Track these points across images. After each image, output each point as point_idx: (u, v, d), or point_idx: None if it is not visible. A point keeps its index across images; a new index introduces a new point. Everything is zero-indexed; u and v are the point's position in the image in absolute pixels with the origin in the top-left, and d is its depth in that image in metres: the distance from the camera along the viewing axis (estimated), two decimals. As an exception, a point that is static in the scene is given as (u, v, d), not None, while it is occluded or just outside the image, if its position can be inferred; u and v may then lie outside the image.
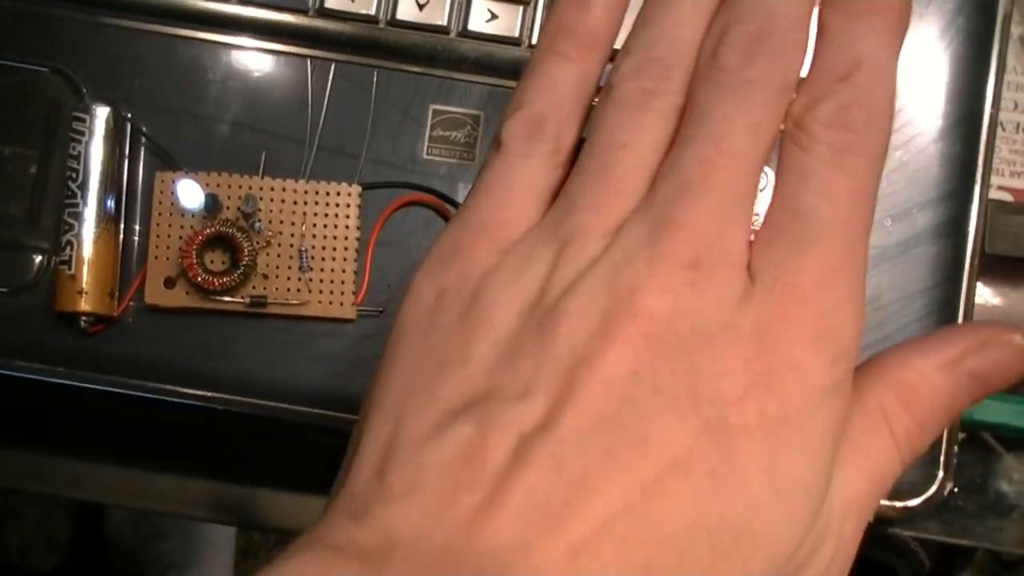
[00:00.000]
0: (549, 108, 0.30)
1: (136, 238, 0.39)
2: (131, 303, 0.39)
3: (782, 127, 0.28)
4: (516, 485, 0.24)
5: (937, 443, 0.38)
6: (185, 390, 0.38)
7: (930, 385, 0.28)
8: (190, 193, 0.37)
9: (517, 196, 0.29)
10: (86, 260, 0.37)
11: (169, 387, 0.39)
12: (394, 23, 0.40)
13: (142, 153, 0.39)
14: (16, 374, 0.39)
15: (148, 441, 0.44)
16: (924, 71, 0.39)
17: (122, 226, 0.39)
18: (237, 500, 0.46)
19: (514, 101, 0.31)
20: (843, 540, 0.26)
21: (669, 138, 0.29)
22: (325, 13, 0.40)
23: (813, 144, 0.27)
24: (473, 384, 0.26)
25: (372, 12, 0.39)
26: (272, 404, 0.38)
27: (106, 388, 0.39)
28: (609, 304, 0.26)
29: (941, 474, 0.37)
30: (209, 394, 0.38)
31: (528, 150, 0.29)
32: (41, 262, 0.39)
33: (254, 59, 0.39)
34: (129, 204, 0.39)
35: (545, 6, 0.39)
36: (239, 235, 0.37)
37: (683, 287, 0.26)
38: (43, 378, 0.39)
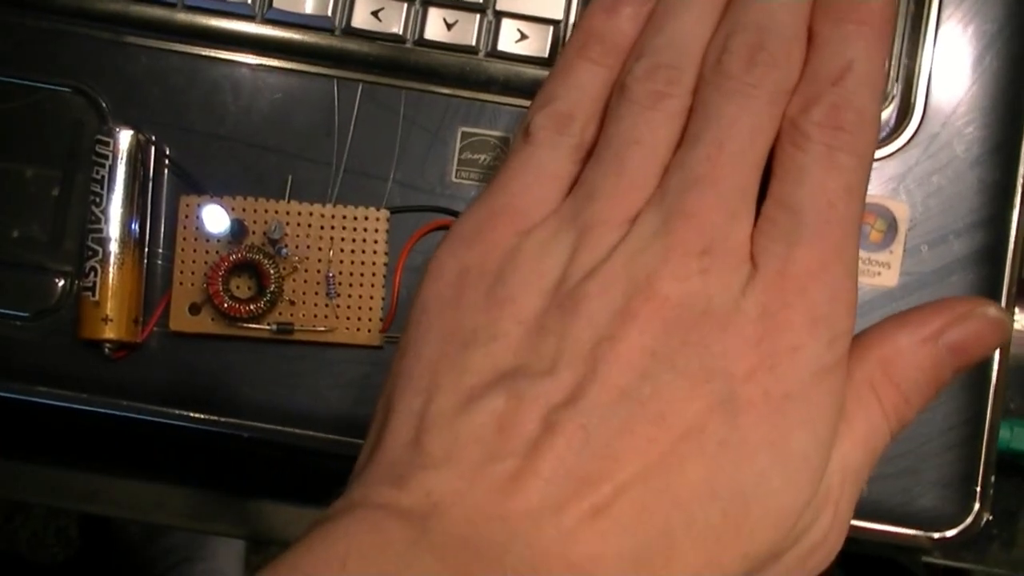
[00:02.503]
0: (576, 106, 0.32)
1: (160, 262, 0.38)
2: (155, 328, 0.38)
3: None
4: (546, 453, 0.27)
5: (974, 474, 0.37)
6: (211, 417, 0.38)
7: (913, 358, 0.30)
8: (215, 218, 0.37)
9: (541, 183, 0.32)
10: (111, 287, 0.36)
11: (193, 414, 0.38)
12: (422, 43, 0.39)
13: (166, 176, 0.38)
14: (39, 400, 0.38)
15: (164, 456, 0.43)
16: (962, 95, 0.39)
17: (146, 250, 0.38)
18: (256, 514, 0.45)
19: (542, 96, 0.33)
20: (840, 507, 0.29)
21: (678, 135, 0.31)
22: (352, 33, 0.39)
23: (807, 143, 0.30)
24: (501, 359, 0.29)
25: (399, 32, 0.39)
26: (298, 432, 0.38)
27: (130, 415, 0.38)
28: (627, 288, 0.29)
29: (977, 506, 0.37)
30: (235, 421, 0.38)
31: (554, 142, 0.32)
32: (64, 286, 0.38)
33: (280, 79, 0.39)
34: (153, 227, 0.38)
35: (574, 27, 0.38)
36: (265, 261, 0.36)
37: (694, 273, 0.29)
38: (66, 404, 0.38)
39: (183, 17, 0.39)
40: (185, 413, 0.38)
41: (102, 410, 0.38)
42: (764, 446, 0.27)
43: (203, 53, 0.39)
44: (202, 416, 0.38)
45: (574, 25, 0.37)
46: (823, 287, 0.29)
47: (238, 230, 0.37)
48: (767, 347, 0.28)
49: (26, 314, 0.38)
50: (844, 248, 0.30)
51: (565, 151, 0.32)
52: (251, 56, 0.39)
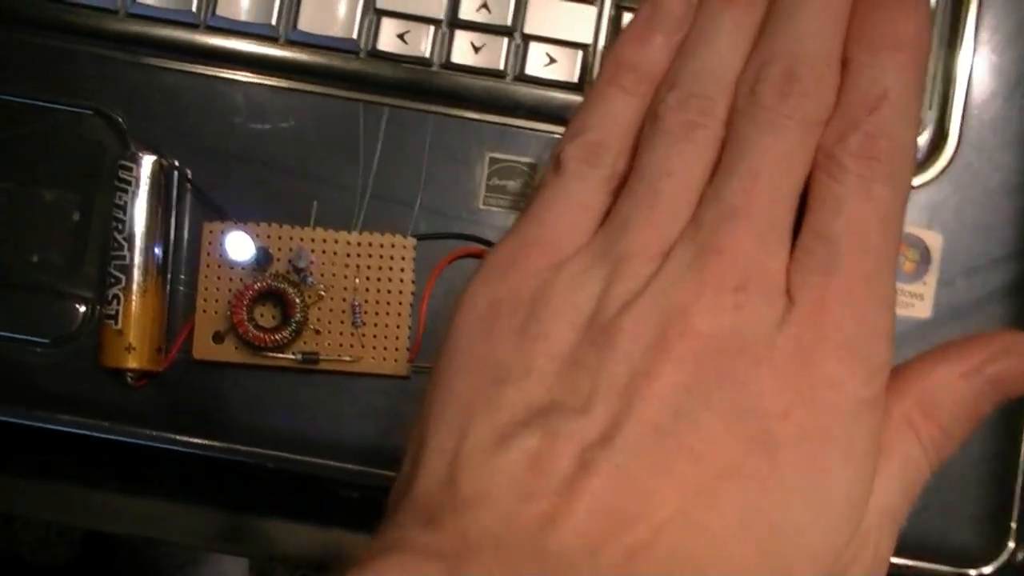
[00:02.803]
0: (608, 136, 0.32)
1: (181, 288, 0.38)
2: (176, 355, 0.37)
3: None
4: (581, 493, 0.26)
5: (1008, 509, 0.37)
6: (235, 446, 0.37)
7: (952, 393, 0.30)
8: (240, 246, 0.36)
9: (573, 215, 0.31)
10: (134, 315, 0.36)
11: (216, 443, 0.37)
12: (449, 66, 0.38)
13: (187, 200, 0.38)
14: (59, 428, 0.38)
15: (180, 480, 0.43)
16: (997, 123, 0.38)
17: (169, 276, 0.37)
18: (269, 534, 0.44)
19: (574, 126, 0.33)
20: (880, 547, 0.28)
21: (711, 165, 0.31)
22: (377, 56, 0.38)
23: (842, 173, 0.29)
24: (535, 396, 0.28)
25: (426, 55, 0.38)
26: (323, 462, 0.37)
27: (152, 444, 0.37)
28: (662, 323, 0.28)
29: (1012, 544, 0.37)
30: (259, 451, 0.37)
31: (586, 173, 0.31)
32: (84, 312, 0.38)
33: (304, 103, 0.38)
34: (174, 253, 0.38)
35: (604, 51, 0.38)
36: (291, 290, 0.36)
37: (729, 308, 0.28)
38: (87, 432, 0.37)
39: (205, 39, 0.38)
40: (209, 442, 0.37)
41: (123, 438, 0.37)
42: (801, 484, 0.27)
43: (225, 75, 0.38)
44: (226, 445, 0.37)
45: (605, 53, 0.36)
46: (860, 320, 0.29)
47: (263, 258, 0.36)
48: (803, 383, 0.28)
49: (46, 340, 0.38)
50: (881, 280, 0.30)
51: (597, 182, 0.32)
52: (275, 79, 0.38)
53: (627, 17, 0.38)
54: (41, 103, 0.38)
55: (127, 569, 1.15)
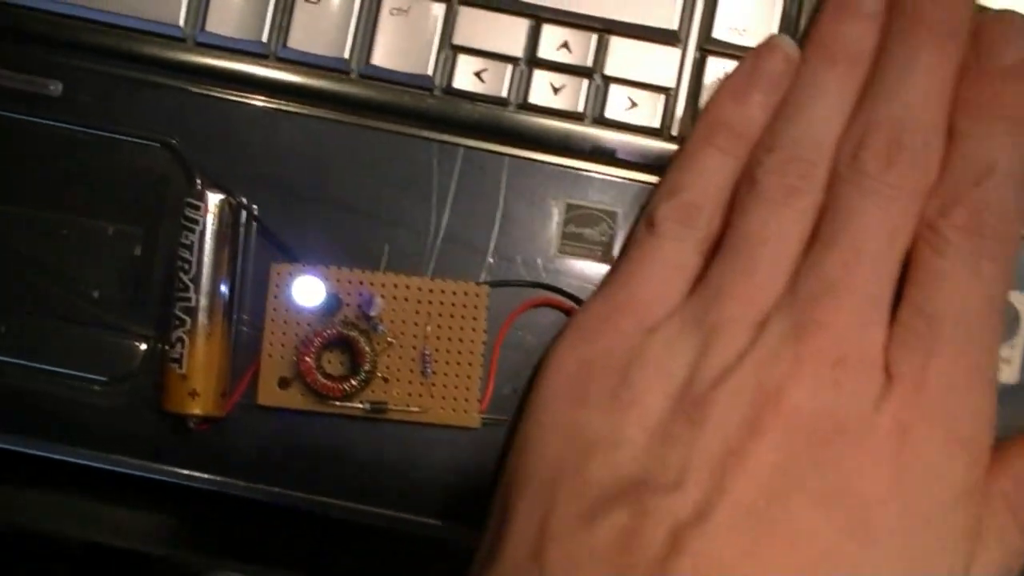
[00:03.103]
0: (702, 197, 0.31)
1: (244, 328, 0.37)
2: (240, 398, 0.36)
3: None
4: (672, 575, 0.26)
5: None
6: (297, 494, 0.36)
7: None
8: (309, 290, 0.35)
9: (666, 277, 0.31)
10: (199, 360, 0.34)
11: (279, 490, 0.36)
12: (526, 107, 0.37)
13: (253, 238, 0.37)
14: (115, 468, 0.37)
15: (234, 523, 0.42)
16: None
17: (234, 317, 0.36)
18: None
19: (668, 185, 0.32)
20: None
21: (809, 232, 0.30)
22: (452, 93, 0.37)
23: (947, 248, 0.29)
24: (625, 469, 0.28)
25: (503, 94, 0.37)
26: (388, 513, 0.36)
27: (210, 488, 0.36)
28: (756, 399, 0.28)
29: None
30: (323, 499, 0.36)
31: (680, 234, 0.31)
32: (145, 351, 0.37)
33: (376, 141, 0.37)
34: (239, 292, 0.37)
35: (687, 96, 0.36)
36: (361, 339, 0.35)
37: (827, 385, 0.28)
38: (144, 474, 0.36)
39: (276, 72, 0.37)
40: (270, 489, 0.36)
41: (181, 482, 0.36)
42: (898, 572, 0.26)
43: (295, 110, 0.37)
44: (289, 493, 0.36)
45: (701, 110, 0.35)
46: (962, 403, 0.28)
47: (333, 304, 0.35)
48: (903, 466, 0.27)
49: (104, 378, 0.37)
50: (984, 360, 0.29)
51: (691, 244, 0.31)
52: (346, 115, 0.37)
53: (712, 61, 0.36)
54: (106, 134, 0.37)
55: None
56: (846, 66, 0.32)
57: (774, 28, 0.36)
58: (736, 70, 0.33)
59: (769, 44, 0.33)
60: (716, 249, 0.32)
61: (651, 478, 0.28)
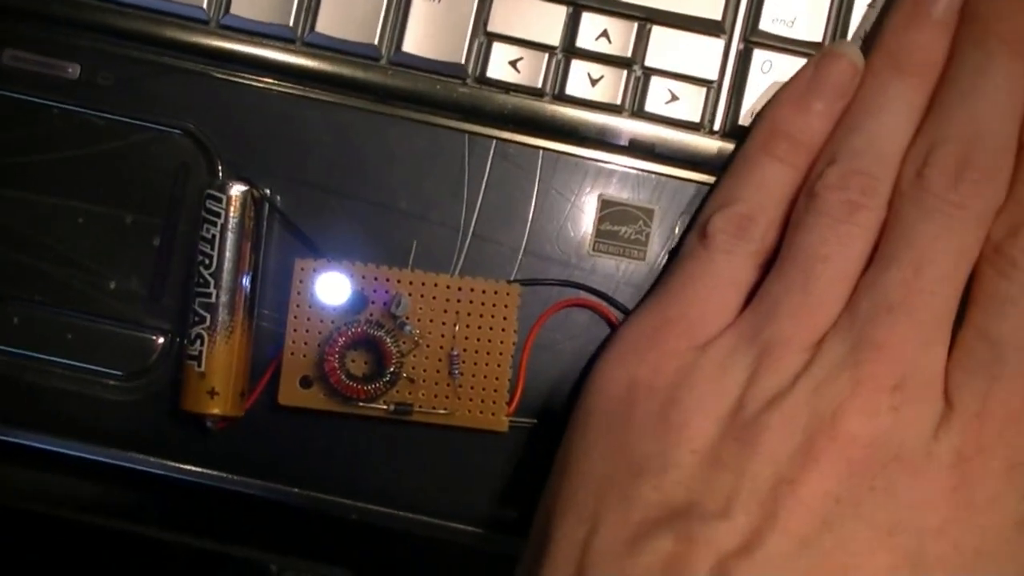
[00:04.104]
0: (758, 208, 0.30)
1: (264, 323, 0.35)
2: (259, 396, 0.35)
3: None
4: None
5: None
6: (317, 495, 0.35)
7: None
8: (335, 287, 0.34)
9: (719, 292, 0.30)
10: (218, 358, 0.33)
11: (297, 491, 0.35)
12: (562, 98, 0.35)
13: (276, 231, 0.35)
14: (131, 466, 0.35)
15: (250, 523, 0.41)
16: None
17: (255, 313, 0.35)
18: None
19: (722, 194, 0.31)
20: None
21: (870, 250, 0.29)
22: (486, 83, 0.35)
23: (1013, 271, 0.27)
24: (672, 494, 0.27)
25: (538, 85, 0.35)
26: (410, 516, 0.35)
27: (226, 487, 0.35)
28: (811, 423, 0.27)
29: None
30: (343, 501, 0.35)
31: (734, 247, 0.30)
32: (162, 345, 0.35)
33: (405, 131, 0.35)
34: (260, 286, 0.35)
35: (730, 89, 0.35)
36: (388, 340, 0.33)
37: (885, 410, 0.27)
38: (161, 472, 0.35)
39: (302, 59, 0.35)
40: (289, 489, 0.35)
41: (200, 481, 0.35)
42: None
43: (323, 98, 0.36)
44: (307, 493, 0.35)
45: (757, 116, 0.33)
46: (1023, 431, 0.27)
47: (359, 302, 0.34)
48: (961, 498, 0.26)
49: (120, 372, 0.35)
50: None
51: (744, 257, 0.30)
52: (375, 104, 0.36)
53: (757, 54, 0.35)
54: (124, 119, 0.35)
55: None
56: (914, 76, 0.30)
57: (823, 19, 0.35)
58: (796, 76, 0.32)
59: (833, 51, 0.31)
60: (770, 263, 0.30)
61: (698, 504, 0.27)
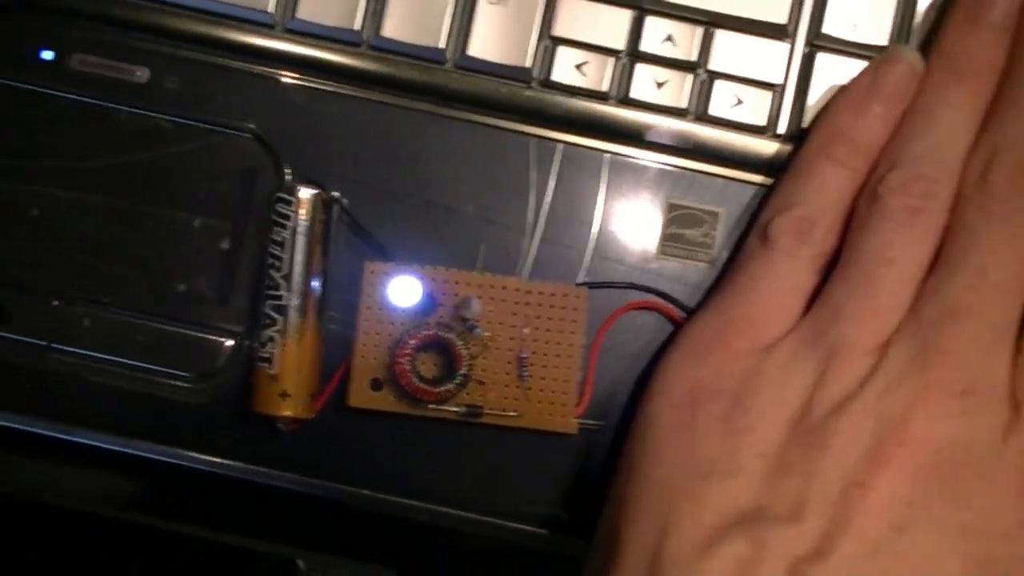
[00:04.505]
0: (819, 212, 0.30)
1: (333, 326, 0.35)
2: (328, 398, 0.35)
3: None
4: None
5: None
6: (389, 497, 0.35)
7: None
8: (406, 291, 0.34)
9: (781, 295, 0.30)
10: (290, 360, 0.33)
11: (368, 492, 0.36)
12: (627, 101, 0.36)
13: (343, 234, 0.35)
14: (199, 467, 0.36)
15: (320, 525, 0.41)
16: None
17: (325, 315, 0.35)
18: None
19: (782, 198, 0.31)
20: None
21: (933, 254, 0.29)
22: (550, 86, 0.35)
23: None
24: (741, 498, 0.27)
25: (603, 88, 0.35)
26: (480, 519, 0.35)
27: (297, 489, 0.36)
28: (879, 428, 0.27)
29: None
30: (413, 503, 0.35)
31: (795, 250, 0.30)
32: (231, 348, 0.36)
33: (473, 135, 0.36)
34: (329, 289, 0.36)
35: (795, 93, 0.35)
36: (459, 343, 0.33)
37: (954, 415, 0.27)
38: (230, 474, 0.36)
39: (367, 62, 0.35)
40: (358, 491, 0.35)
41: (271, 483, 0.35)
42: None
43: (388, 101, 0.36)
44: (377, 496, 0.35)
45: (816, 119, 0.34)
46: None
47: (430, 304, 0.34)
48: None
49: (189, 374, 0.36)
50: None
51: (806, 261, 0.30)
52: (440, 107, 0.36)
53: (821, 58, 0.35)
54: (192, 123, 0.36)
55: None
56: (973, 80, 0.30)
57: (888, 24, 0.35)
58: (856, 80, 0.32)
59: (892, 55, 0.32)
60: (829, 267, 0.31)
61: (768, 508, 0.27)
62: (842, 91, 0.32)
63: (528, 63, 0.35)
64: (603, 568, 0.28)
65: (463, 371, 0.34)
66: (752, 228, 0.32)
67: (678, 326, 0.35)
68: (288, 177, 0.35)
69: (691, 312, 0.35)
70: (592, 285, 0.35)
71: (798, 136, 0.35)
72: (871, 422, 0.27)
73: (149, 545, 0.40)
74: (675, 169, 0.36)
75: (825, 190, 0.31)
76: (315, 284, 0.34)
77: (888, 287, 0.29)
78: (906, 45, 0.33)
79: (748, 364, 0.29)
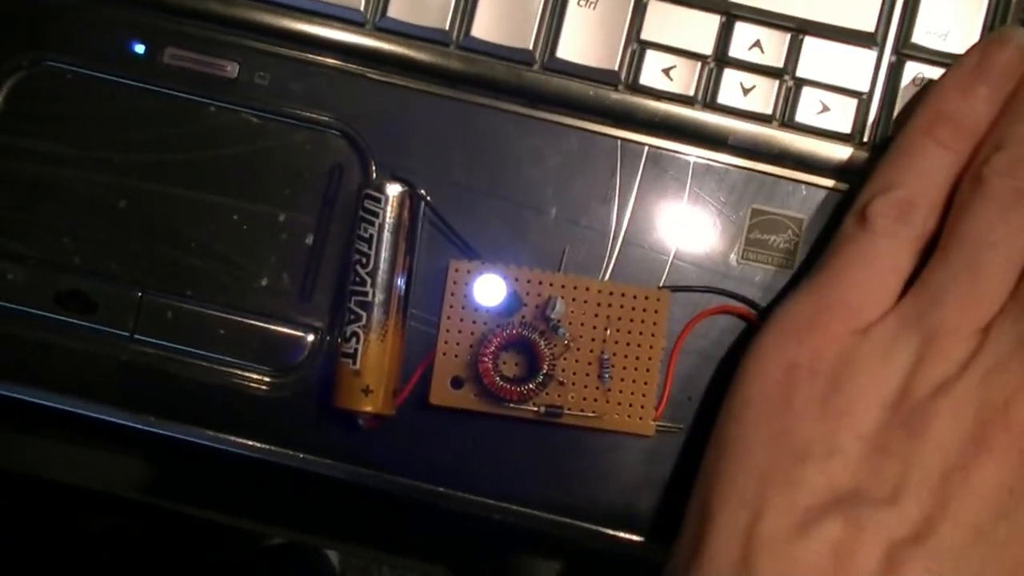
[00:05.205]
0: (919, 193, 0.30)
1: (414, 323, 0.36)
2: (408, 395, 0.35)
3: None
4: None
5: None
6: (465, 496, 0.35)
7: None
8: (491, 290, 0.34)
9: (880, 277, 0.29)
10: (373, 357, 0.34)
11: (443, 490, 0.36)
12: (713, 106, 0.36)
13: (428, 232, 0.36)
14: (280, 462, 0.36)
15: (396, 522, 0.41)
16: None
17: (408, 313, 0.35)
18: None
19: (882, 178, 0.31)
20: None
21: None
22: (638, 90, 0.36)
23: None
24: (838, 480, 0.27)
25: (690, 93, 0.35)
26: (558, 519, 0.35)
27: (376, 485, 0.36)
28: (981, 412, 0.26)
29: None
30: (489, 502, 0.35)
31: (895, 232, 0.29)
32: (313, 343, 0.36)
33: (558, 136, 0.36)
34: (412, 287, 0.36)
35: (881, 101, 0.35)
36: (542, 342, 0.33)
37: None
38: (309, 469, 0.36)
39: (455, 62, 0.36)
40: (436, 489, 0.35)
41: (348, 479, 0.36)
42: None
43: (475, 101, 0.36)
44: (454, 494, 0.35)
45: (919, 100, 0.33)
46: None
47: (514, 304, 0.34)
48: None
49: (270, 368, 0.36)
50: None
51: (905, 242, 0.30)
52: (529, 109, 0.36)
53: (909, 66, 0.35)
54: (280, 118, 0.36)
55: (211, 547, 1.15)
56: None
57: (977, 33, 0.35)
58: (962, 60, 0.32)
59: (1000, 35, 0.31)
60: (929, 249, 0.30)
61: (866, 490, 0.27)
62: (947, 71, 0.32)
63: (616, 66, 0.35)
64: (693, 551, 0.28)
65: (545, 371, 0.34)
66: (850, 210, 0.32)
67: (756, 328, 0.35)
68: (375, 174, 0.35)
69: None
70: (675, 288, 0.35)
71: (884, 145, 0.35)
72: (973, 406, 0.27)
73: (228, 541, 0.41)
74: (758, 174, 0.36)
75: (927, 172, 0.30)
76: (400, 281, 0.34)
77: (992, 270, 0.28)
78: (1015, 26, 0.33)
79: (846, 346, 0.28)
